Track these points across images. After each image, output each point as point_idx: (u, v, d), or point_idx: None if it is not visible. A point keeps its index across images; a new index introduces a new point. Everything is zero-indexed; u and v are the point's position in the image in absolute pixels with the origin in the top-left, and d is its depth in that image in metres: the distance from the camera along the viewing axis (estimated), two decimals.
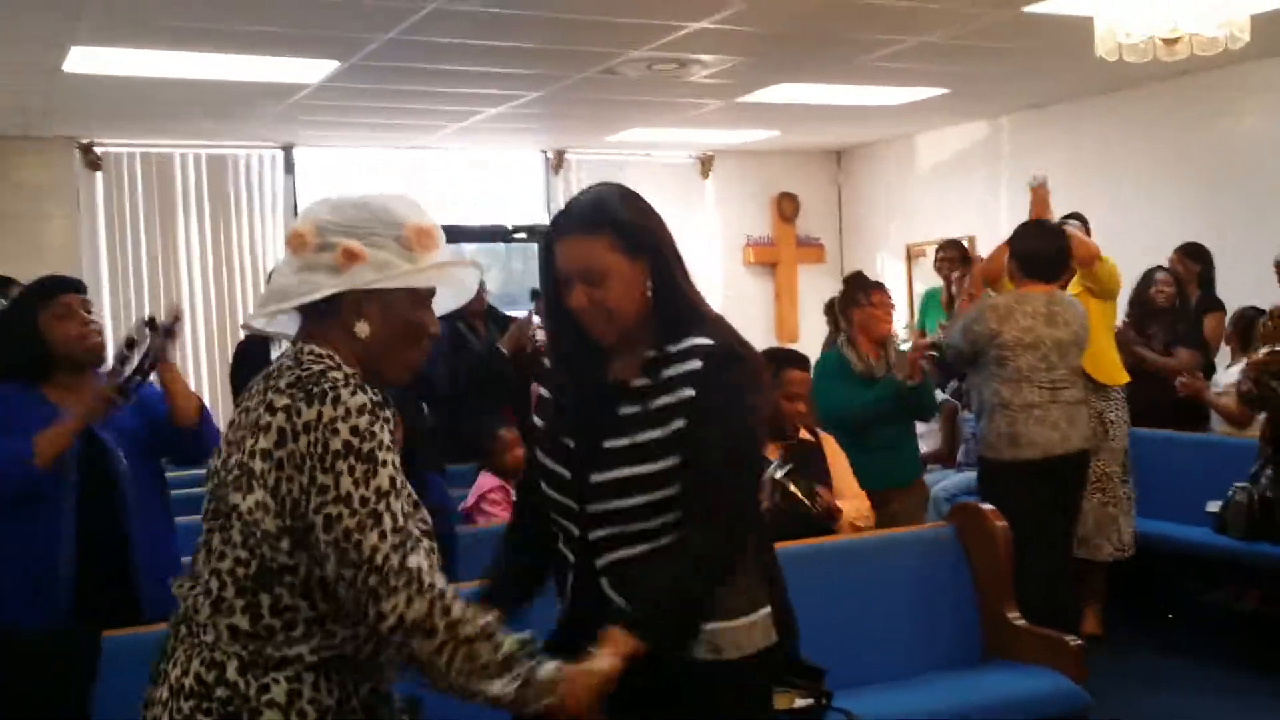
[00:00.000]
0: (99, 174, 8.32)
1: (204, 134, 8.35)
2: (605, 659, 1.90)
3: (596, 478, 2.07)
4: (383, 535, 1.73)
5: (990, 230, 9.08)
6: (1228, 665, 4.93)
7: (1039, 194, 5.39)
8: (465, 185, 9.71)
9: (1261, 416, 5.07)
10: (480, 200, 9.81)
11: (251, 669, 1.76)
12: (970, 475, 6.37)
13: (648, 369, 2.08)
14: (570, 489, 2.11)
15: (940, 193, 9.81)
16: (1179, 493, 5.51)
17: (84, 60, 5.90)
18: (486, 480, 4.82)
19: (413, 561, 1.74)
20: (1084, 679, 3.59)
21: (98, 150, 8.28)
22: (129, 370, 3.10)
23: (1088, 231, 5.26)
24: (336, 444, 1.72)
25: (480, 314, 5.90)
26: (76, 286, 3.23)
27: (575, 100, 7.70)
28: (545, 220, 9.93)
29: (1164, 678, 4.87)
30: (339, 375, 1.79)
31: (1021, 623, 3.77)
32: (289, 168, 8.88)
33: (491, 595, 2.12)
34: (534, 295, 7.89)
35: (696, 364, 2.05)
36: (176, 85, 6.59)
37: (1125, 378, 5.29)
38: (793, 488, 3.73)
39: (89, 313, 3.18)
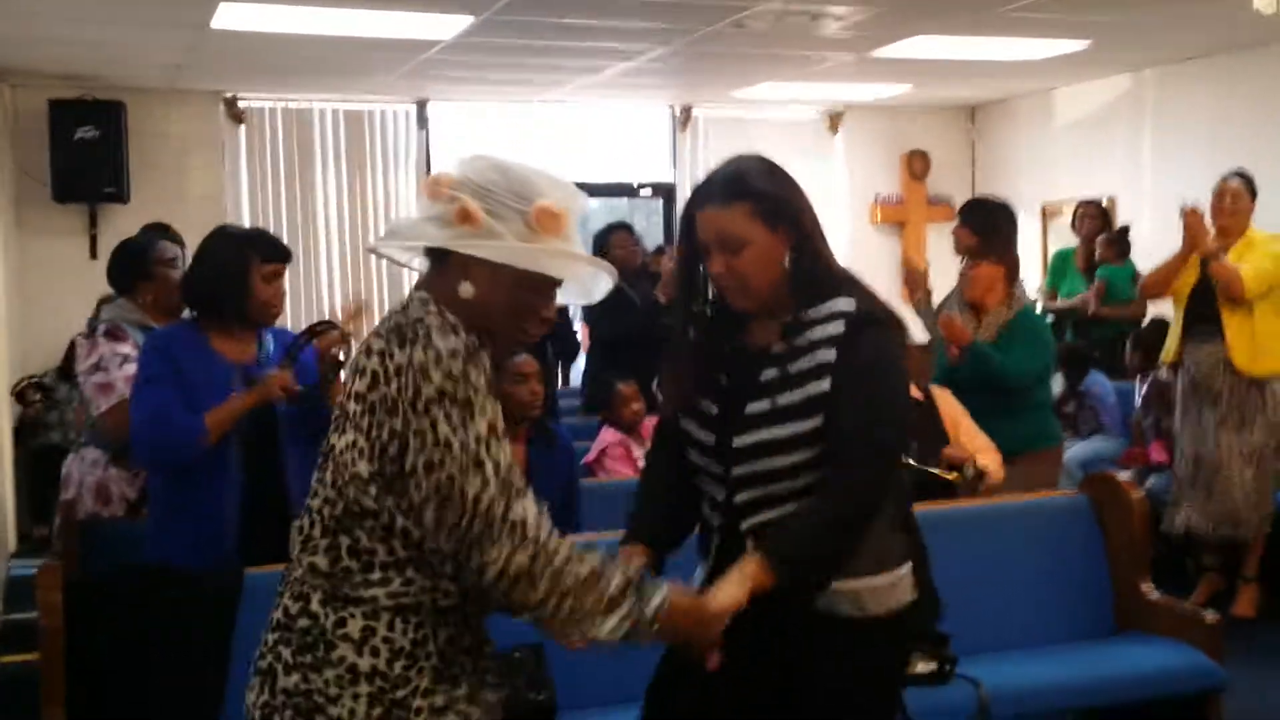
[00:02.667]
0: (242, 127, 8.56)
1: (341, 89, 8.53)
2: (729, 591, 1.94)
3: (740, 441, 2.09)
4: (485, 482, 1.73)
5: (1132, 191, 8.78)
6: None
7: (1191, 222, 4.93)
8: (592, 140, 9.73)
9: None
10: (607, 156, 9.83)
11: (331, 602, 1.79)
12: (1101, 443, 6.23)
13: (787, 333, 2.11)
14: (714, 453, 2.13)
15: (1078, 151, 9.49)
16: None
17: (230, 17, 6.05)
18: (608, 435, 4.86)
19: (517, 510, 1.74)
20: (1220, 655, 3.48)
21: (241, 104, 8.51)
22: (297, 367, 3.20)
23: (1252, 191, 5.01)
24: (429, 389, 1.72)
25: (635, 272, 6.01)
26: (289, 256, 3.33)
27: (703, 54, 7.63)
28: (671, 177, 9.92)
29: None
30: (436, 320, 1.78)
31: (1156, 595, 3.68)
32: (422, 122, 9.01)
33: (639, 538, 2.18)
34: (658, 252, 7.92)
35: (839, 327, 2.08)
36: (316, 42, 6.73)
37: None
38: (935, 470, 3.68)
39: (282, 281, 3.28)
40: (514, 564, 1.72)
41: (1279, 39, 7.62)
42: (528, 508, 1.76)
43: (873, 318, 2.10)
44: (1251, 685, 3.94)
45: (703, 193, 2.16)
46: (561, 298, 1.94)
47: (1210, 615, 3.61)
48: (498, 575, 1.73)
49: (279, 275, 3.23)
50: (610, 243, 5.99)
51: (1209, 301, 4.91)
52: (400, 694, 1.79)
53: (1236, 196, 4.94)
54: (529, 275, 1.82)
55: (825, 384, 2.06)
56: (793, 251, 2.12)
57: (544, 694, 3.05)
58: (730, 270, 2.10)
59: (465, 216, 1.79)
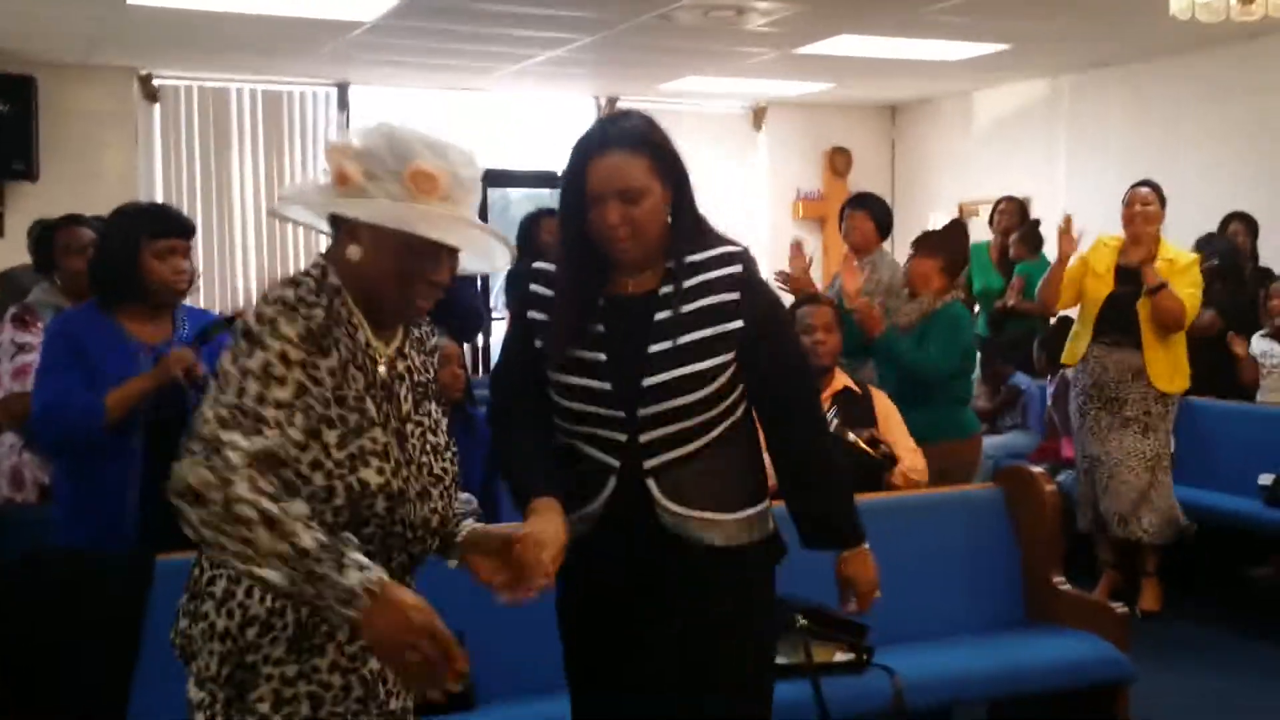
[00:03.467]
0: (157, 105, 8.38)
1: (260, 69, 8.38)
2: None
3: (650, 381, 2.16)
4: (216, 402, 1.70)
5: (1046, 192, 8.96)
6: (1272, 642, 4.88)
7: (1061, 234, 5.23)
8: (517, 130, 9.68)
9: None
10: (531, 145, 9.78)
11: (209, 559, 1.82)
12: (1016, 437, 6.35)
13: (675, 276, 2.20)
14: (612, 398, 2.17)
15: (996, 152, 9.66)
16: (1229, 464, 5.44)
17: None
18: None
19: (227, 436, 1.66)
20: (1127, 647, 3.56)
21: (156, 82, 8.33)
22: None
23: (1162, 199, 5.13)
24: (242, 329, 1.75)
25: None
26: (186, 231, 3.20)
27: (629, 46, 7.63)
28: None
29: (1208, 653, 4.84)
30: (308, 280, 1.79)
31: (1066, 587, 3.75)
32: (343, 105, 8.89)
33: (551, 492, 2.12)
34: (544, 213, 7.82)
35: (735, 268, 2.22)
36: (235, 19, 6.59)
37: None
38: (851, 436, 3.74)
39: (187, 257, 3.18)
40: (191, 478, 1.64)
41: (1191, 48, 7.82)
42: (244, 443, 1.66)
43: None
44: (1156, 677, 4.05)
45: (600, 140, 2.19)
46: (463, 265, 1.90)
47: (1119, 608, 3.69)
48: (175, 489, 1.66)
49: (176, 251, 3.11)
50: (540, 227, 5.96)
51: (1124, 313, 5.01)
52: (250, 659, 1.79)
53: (1146, 204, 5.06)
54: (411, 239, 1.78)
55: (736, 322, 2.19)
56: (672, 207, 2.22)
57: (462, 684, 3.03)
58: (625, 219, 2.15)
59: (340, 178, 1.79)
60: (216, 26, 6.82)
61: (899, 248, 9.54)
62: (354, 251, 1.81)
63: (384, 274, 1.81)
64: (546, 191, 10.09)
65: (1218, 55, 7.80)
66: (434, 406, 1.95)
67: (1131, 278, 5.01)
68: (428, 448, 1.90)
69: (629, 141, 2.18)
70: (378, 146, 1.80)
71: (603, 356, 2.19)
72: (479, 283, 7.81)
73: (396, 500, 1.81)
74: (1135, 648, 3.64)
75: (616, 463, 2.20)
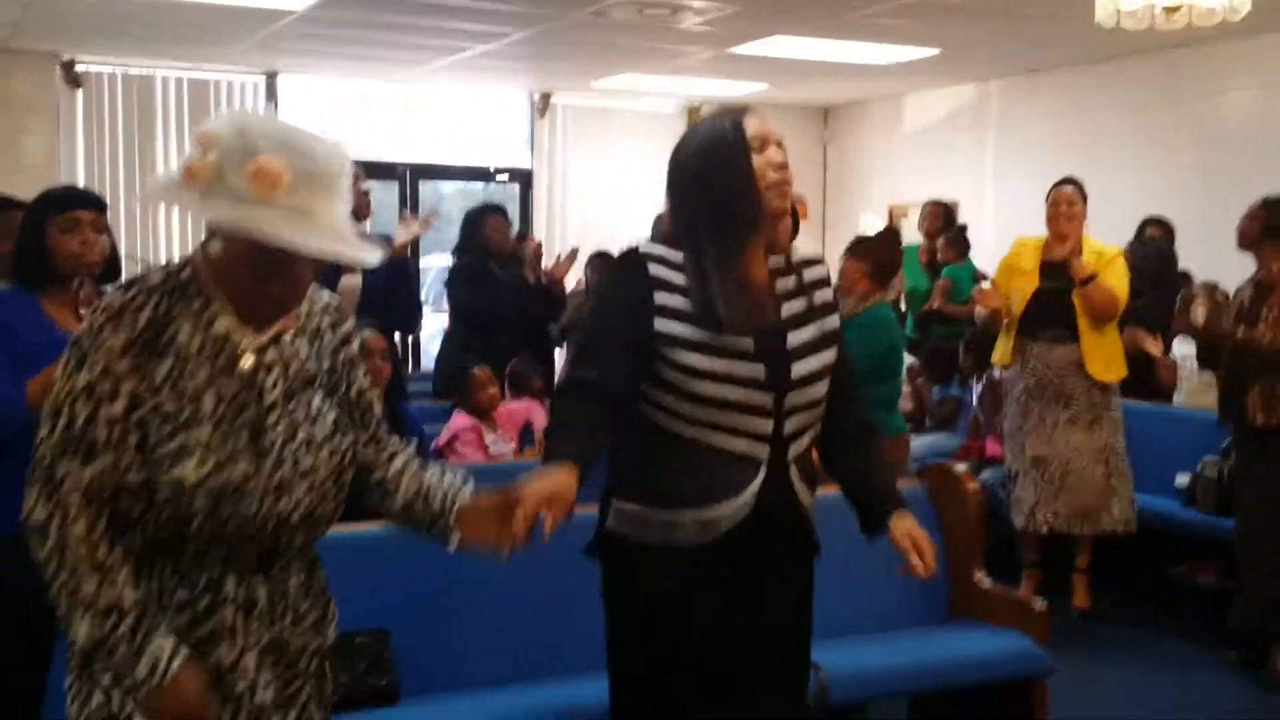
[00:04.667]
0: (79, 92, 8.20)
1: (186, 57, 8.23)
2: None
3: (800, 368, 2.26)
4: (51, 430, 1.75)
5: (974, 195, 9.09)
6: (1187, 639, 5.00)
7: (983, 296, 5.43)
8: (449, 123, 9.62)
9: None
10: (463, 139, 9.73)
11: None
12: (940, 437, 6.43)
13: (790, 270, 2.33)
14: (762, 384, 2.21)
15: (926, 155, 9.79)
16: (1148, 465, 5.55)
17: None
18: (460, 419, 4.81)
19: (62, 468, 1.74)
20: (1046, 643, 3.62)
21: (79, 68, 8.15)
22: None
23: (1084, 196, 5.21)
24: (72, 337, 1.78)
25: (506, 255, 5.97)
26: (91, 202, 3.15)
27: (564, 42, 7.61)
28: (529, 163, 9.88)
29: (1126, 649, 4.93)
30: (153, 279, 1.80)
31: (988, 584, 3.80)
32: (271, 95, 8.77)
33: (575, 458, 2.10)
34: (521, 237, 7.87)
35: (824, 270, 2.39)
36: (161, 6, 6.48)
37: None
38: None
39: (100, 231, 3.12)
40: (34, 514, 1.75)
41: (1116, 55, 7.98)
42: (79, 473, 1.74)
43: None
44: (1077, 672, 4.12)
45: (740, 107, 2.31)
46: (336, 255, 1.80)
47: (1038, 604, 3.74)
48: (24, 519, 1.76)
49: (81, 223, 3.05)
50: (485, 223, 5.94)
51: (1059, 307, 5.08)
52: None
53: (1071, 203, 5.13)
54: (257, 238, 1.73)
55: (836, 320, 2.35)
56: None
57: (386, 679, 3.00)
58: (787, 164, 2.26)
59: (188, 173, 1.75)
60: (141, 12, 6.69)
61: (831, 249, 9.63)
62: (215, 246, 1.81)
63: (242, 270, 1.79)
64: (479, 185, 10.04)
65: (1141, 64, 7.97)
66: (319, 398, 1.90)
67: (1059, 273, 5.07)
68: (297, 441, 1.85)
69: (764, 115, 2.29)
70: (228, 140, 1.75)
71: (751, 342, 2.21)
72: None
73: (222, 497, 1.77)
74: (1057, 644, 3.70)
75: (765, 452, 2.23)
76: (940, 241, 7.46)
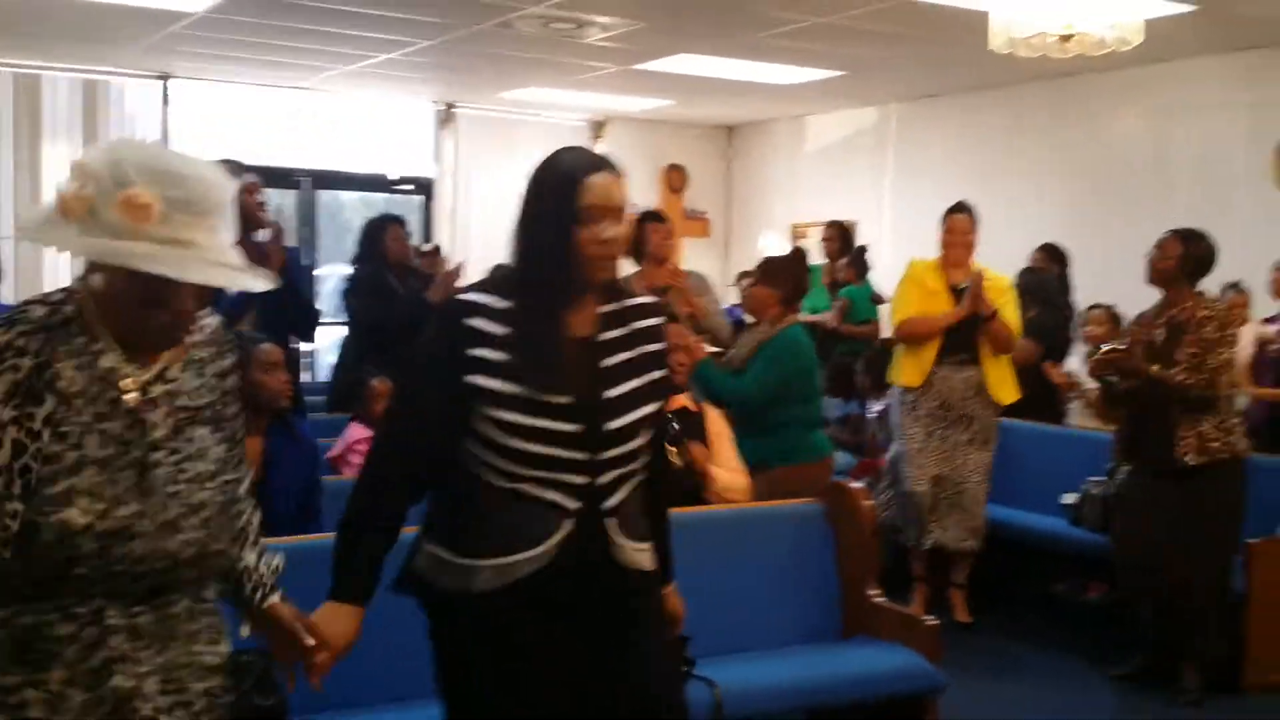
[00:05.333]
0: None
1: (78, 57, 8.00)
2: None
3: (612, 425, 2.21)
4: None
5: (873, 216, 9.23)
6: (1073, 655, 5.10)
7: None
8: (350, 131, 9.50)
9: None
10: (365, 148, 9.61)
11: None
12: (840, 456, 6.49)
13: (614, 322, 2.26)
14: (577, 440, 2.18)
15: (826, 175, 9.92)
16: (1036, 484, 5.67)
17: None
18: (357, 430, 4.72)
19: None
20: (939, 659, 3.66)
21: None
22: None
23: (975, 221, 5.31)
24: None
25: (404, 267, 5.91)
26: None
27: (469, 53, 7.56)
28: (432, 173, 9.78)
29: (1014, 664, 5.02)
30: (34, 314, 1.75)
31: (881, 600, 3.84)
32: (165, 99, 8.57)
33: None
34: (418, 254, 7.78)
35: (655, 319, 2.32)
36: (51, 3, 6.28)
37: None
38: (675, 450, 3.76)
39: None
40: None
41: (1011, 83, 8.18)
42: None
43: None
44: (966, 688, 4.18)
45: (589, 162, 2.21)
46: (217, 283, 1.80)
47: (930, 620, 3.79)
48: None
49: None
50: (385, 234, 5.87)
51: (967, 333, 5.18)
52: None
53: (965, 231, 5.26)
54: (135, 270, 1.71)
55: (662, 370, 2.31)
56: None
57: (272, 699, 2.91)
58: (618, 239, 2.18)
59: (61, 205, 1.72)
60: (29, 8, 6.48)
61: (734, 266, 9.70)
62: (96, 280, 1.77)
63: (124, 302, 1.76)
64: (381, 196, 9.92)
65: (1035, 91, 8.19)
66: (206, 431, 1.86)
67: (962, 298, 5.19)
68: (185, 477, 1.81)
69: (613, 166, 2.22)
70: (101, 171, 1.71)
71: (568, 399, 2.18)
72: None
73: (111, 539, 1.73)
74: (946, 659, 3.75)
75: (575, 504, 2.20)
76: (840, 263, 7.57)
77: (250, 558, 2.00)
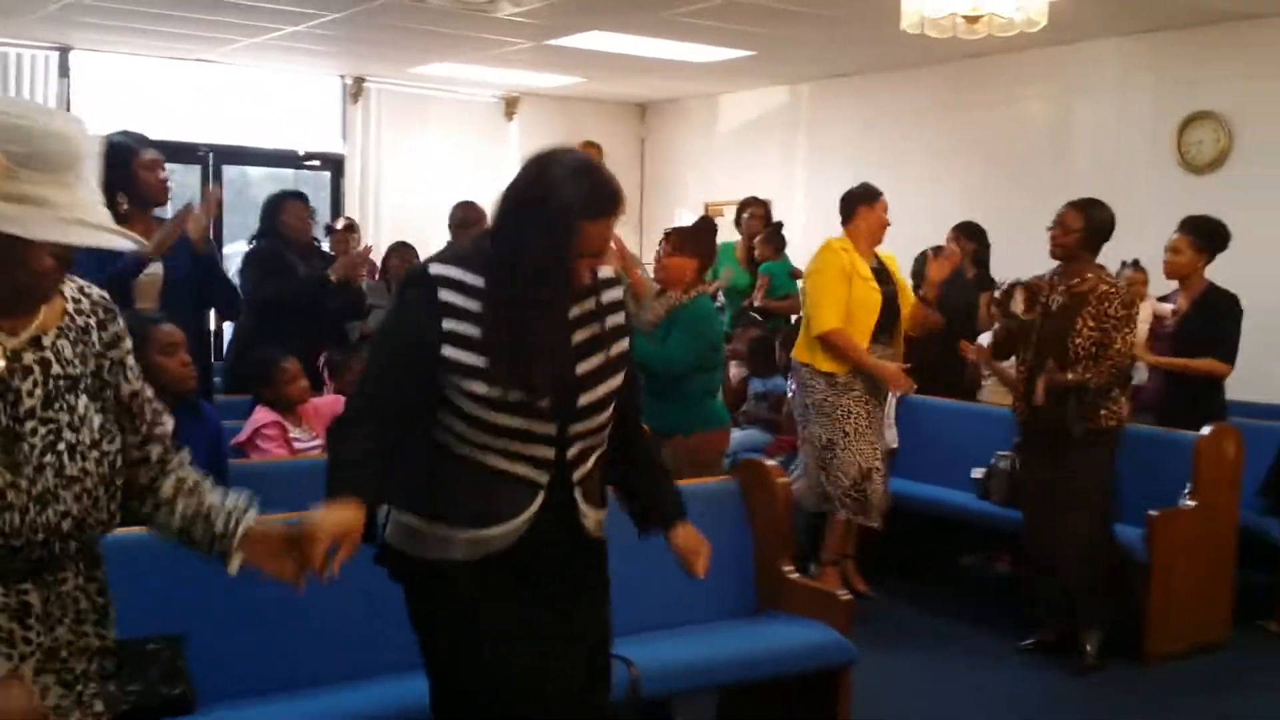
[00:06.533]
0: None
1: None
2: None
3: (585, 399, 2.26)
4: None
5: (785, 193, 9.28)
6: (982, 626, 5.21)
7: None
8: (256, 105, 9.29)
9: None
10: (271, 123, 9.41)
11: None
12: (753, 432, 6.54)
13: (584, 295, 2.29)
14: (547, 414, 2.22)
15: (740, 154, 9.96)
16: (946, 459, 5.77)
17: None
18: (262, 414, 4.62)
19: None
20: (850, 633, 3.71)
21: None
22: None
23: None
24: None
25: (308, 245, 5.81)
26: None
27: (377, 26, 7.44)
28: (341, 149, 9.62)
29: (924, 636, 5.11)
30: None
31: (795, 576, 3.87)
32: (64, 71, 8.31)
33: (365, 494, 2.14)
34: (329, 231, 7.66)
35: (619, 293, 2.37)
36: None
37: None
38: None
39: None
40: None
41: (920, 63, 8.27)
42: None
43: None
44: (877, 659, 4.25)
45: (597, 200, 2.18)
46: (82, 241, 1.69)
47: (843, 594, 3.84)
48: None
49: None
50: (283, 209, 5.75)
51: (890, 319, 5.24)
52: None
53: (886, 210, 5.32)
54: None
55: (626, 343, 2.35)
56: None
57: (180, 687, 2.86)
58: (589, 269, 2.24)
59: None
60: None
61: (648, 244, 9.68)
62: None
63: None
64: (290, 172, 9.73)
65: (944, 71, 8.29)
66: (84, 401, 1.79)
67: (884, 278, 5.25)
68: (60, 447, 1.75)
69: (615, 203, 2.21)
70: None
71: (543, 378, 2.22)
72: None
73: None
74: (858, 632, 3.80)
75: (545, 477, 2.26)
76: (758, 239, 7.61)
77: (213, 498, 1.94)
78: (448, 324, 2.20)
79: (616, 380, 2.32)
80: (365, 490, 2.14)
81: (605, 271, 2.35)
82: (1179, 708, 4.35)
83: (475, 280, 2.21)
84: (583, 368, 2.28)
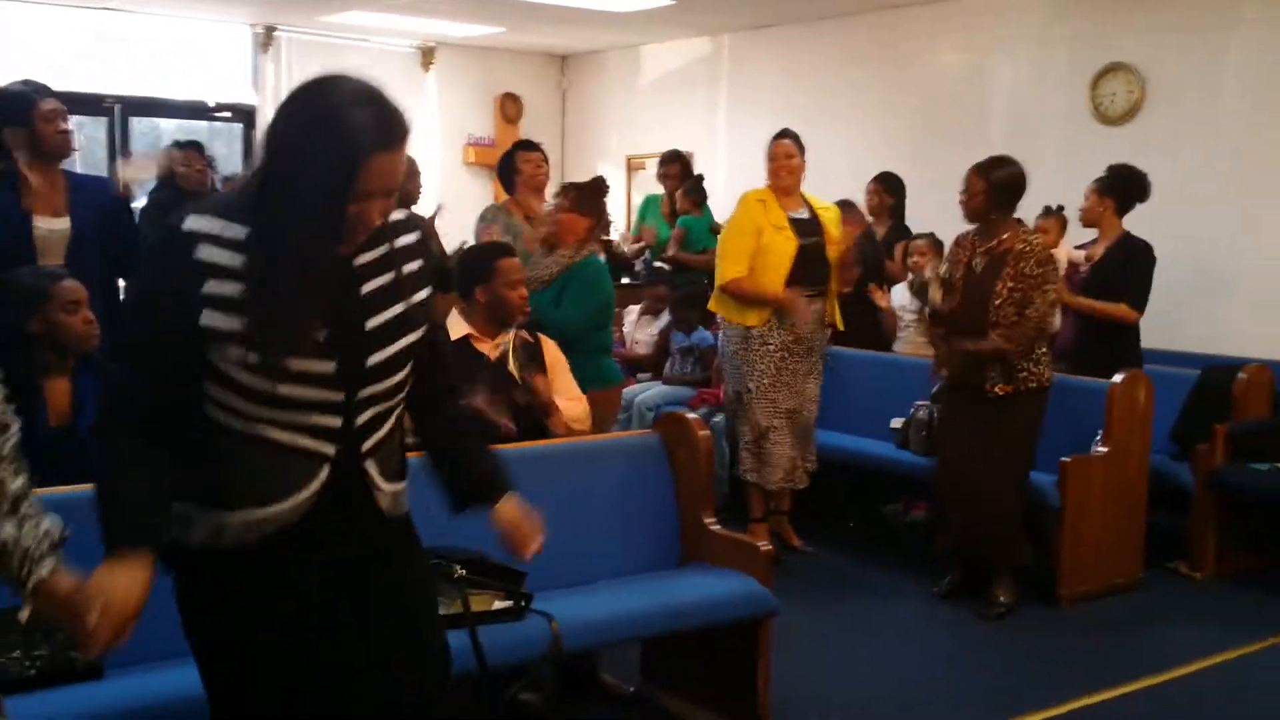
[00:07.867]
0: None
1: None
2: (120, 584, 1.80)
3: (375, 359, 1.99)
4: None
5: (708, 146, 9.25)
6: (901, 573, 5.29)
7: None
8: (163, 56, 9.02)
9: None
10: (180, 73, 9.15)
11: None
12: (672, 388, 6.54)
13: (372, 242, 1.98)
14: (333, 380, 1.95)
15: (662, 106, 9.89)
16: (866, 410, 5.82)
17: None
18: None
19: None
20: (771, 583, 3.73)
21: None
22: None
23: (801, 148, 5.32)
24: None
25: (203, 191, 5.70)
26: None
27: None
28: (252, 100, 9.39)
29: (845, 584, 5.18)
30: None
31: (717, 528, 3.88)
32: None
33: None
34: (227, 181, 7.45)
35: (416, 235, 2.10)
36: None
37: None
38: (512, 367, 3.75)
39: None
40: None
41: (842, 14, 8.27)
42: None
43: None
44: (800, 605, 4.29)
45: (382, 132, 1.86)
46: None
47: (764, 546, 3.86)
48: None
49: None
50: (172, 159, 5.64)
51: (816, 269, 5.19)
52: None
53: (789, 155, 5.26)
54: None
55: (424, 292, 2.08)
56: None
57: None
58: (381, 212, 1.90)
59: None
60: None
61: None
62: None
63: None
64: (202, 124, 9.47)
65: (863, 23, 8.30)
66: None
67: (810, 230, 5.20)
68: None
69: (402, 133, 1.89)
70: None
71: (321, 334, 1.93)
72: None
73: None
74: (781, 583, 3.83)
75: (331, 448, 1.98)
76: (678, 193, 7.59)
77: (8, 530, 1.77)
78: (208, 286, 1.88)
79: (414, 335, 2.04)
80: (155, 533, 1.88)
81: (396, 214, 2.03)
82: (1092, 648, 4.46)
83: (239, 232, 1.89)
84: (372, 323, 1.98)
